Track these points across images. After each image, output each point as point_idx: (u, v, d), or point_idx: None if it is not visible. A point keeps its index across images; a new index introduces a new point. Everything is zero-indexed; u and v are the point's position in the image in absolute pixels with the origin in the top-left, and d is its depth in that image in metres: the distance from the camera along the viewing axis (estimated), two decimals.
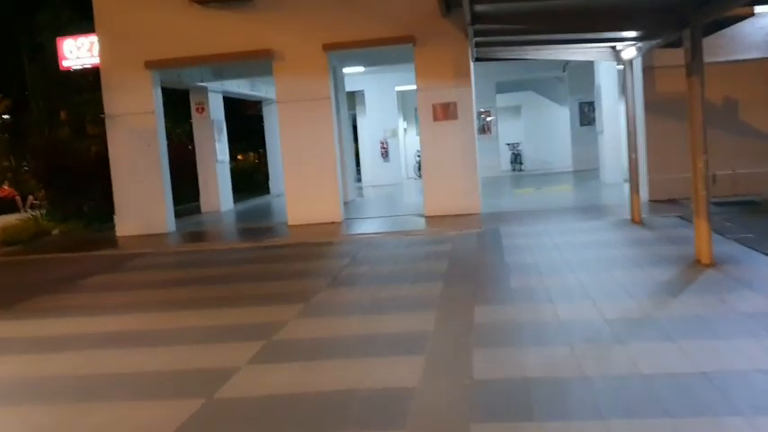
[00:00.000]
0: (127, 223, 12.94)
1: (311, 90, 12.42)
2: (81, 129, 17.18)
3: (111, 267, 9.67)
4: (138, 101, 12.73)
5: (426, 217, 12.15)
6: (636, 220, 9.93)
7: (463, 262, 8.03)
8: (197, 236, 12.59)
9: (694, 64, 6.71)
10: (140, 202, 12.86)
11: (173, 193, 13.11)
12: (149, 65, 12.56)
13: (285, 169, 12.63)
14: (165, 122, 12.87)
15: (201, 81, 15.87)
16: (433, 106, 12.23)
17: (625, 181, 15.67)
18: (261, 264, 9.12)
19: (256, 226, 13.38)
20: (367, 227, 11.73)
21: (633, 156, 9.99)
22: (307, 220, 12.49)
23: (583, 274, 6.68)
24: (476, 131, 12.41)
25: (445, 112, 12.20)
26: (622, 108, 17.40)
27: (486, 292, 6.39)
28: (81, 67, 13.08)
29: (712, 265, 6.70)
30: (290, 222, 12.59)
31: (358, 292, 6.80)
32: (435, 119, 12.21)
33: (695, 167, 6.86)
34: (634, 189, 10.03)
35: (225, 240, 11.64)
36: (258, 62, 12.77)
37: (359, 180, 24.39)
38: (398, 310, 5.94)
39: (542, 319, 5.27)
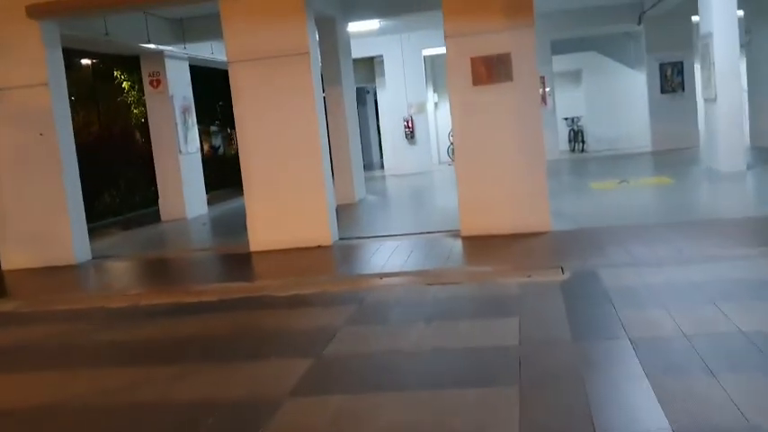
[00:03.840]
0: (15, 251, 8.64)
1: (279, 42, 7.91)
2: None
3: None
4: (23, 68, 8.36)
5: (464, 239, 7.59)
6: None
7: (556, 408, 3.44)
8: (108, 273, 8.27)
9: None
10: (34, 219, 8.55)
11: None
12: (34, 12, 8.16)
13: (243, 165, 8.18)
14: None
15: (150, 42, 11.47)
16: (473, 62, 7.60)
17: (749, 169, 10.92)
18: (123, 374, 4.69)
19: (210, 249, 8.99)
20: (367, 260, 7.27)
21: None
22: (278, 243, 8.06)
23: None
24: (539, 100, 7.78)
25: (492, 69, 7.57)
26: (744, 67, 12.64)
27: None
28: None
29: None
30: (254, 248, 8.16)
31: None
32: (476, 81, 7.59)
33: None
34: None
35: (135, 286, 7.29)
36: (198, 3, 8.33)
37: (381, 167, 19.95)
38: None
39: None
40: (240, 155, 8.15)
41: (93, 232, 11.84)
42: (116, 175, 16.63)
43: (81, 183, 9.04)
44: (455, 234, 7.77)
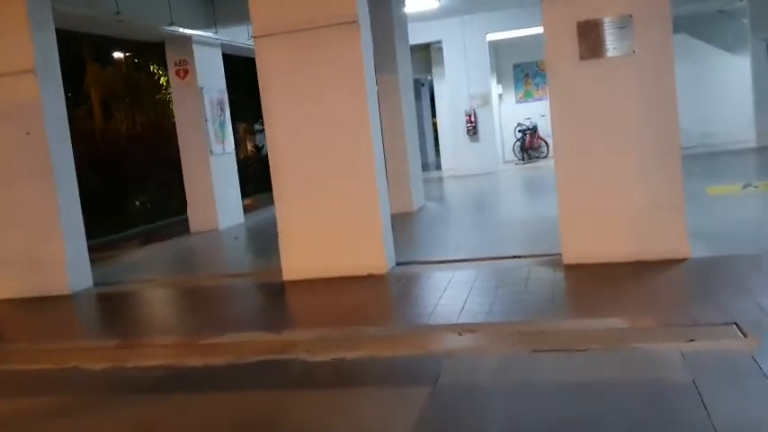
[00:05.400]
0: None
1: (319, 7, 6.06)
2: None
3: None
4: (5, 51, 6.77)
5: (569, 269, 5.59)
6: None
7: None
8: (102, 310, 6.56)
9: None
10: (20, 238, 6.93)
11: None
12: None
13: (273, 170, 6.37)
14: None
15: (173, 25, 9.80)
16: (580, 28, 5.59)
17: None
18: None
19: (235, 275, 7.17)
20: (436, 301, 5.33)
21: None
22: (318, 270, 6.22)
23: None
24: (673, 79, 5.74)
25: (606, 38, 5.55)
26: None
27: None
28: None
29: None
30: (287, 276, 6.33)
31: None
32: (585, 55, 5.58)
33: None
34: None
35: (127, 333, 5.56)
36: None
37: (438, 168, 18.07)
38: None
39: None
40: (270, 156, 6.33)
41: (112, 245, 10.34)
42: (148, 180, 15.17)
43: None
44: (554, 261, 5.77)
